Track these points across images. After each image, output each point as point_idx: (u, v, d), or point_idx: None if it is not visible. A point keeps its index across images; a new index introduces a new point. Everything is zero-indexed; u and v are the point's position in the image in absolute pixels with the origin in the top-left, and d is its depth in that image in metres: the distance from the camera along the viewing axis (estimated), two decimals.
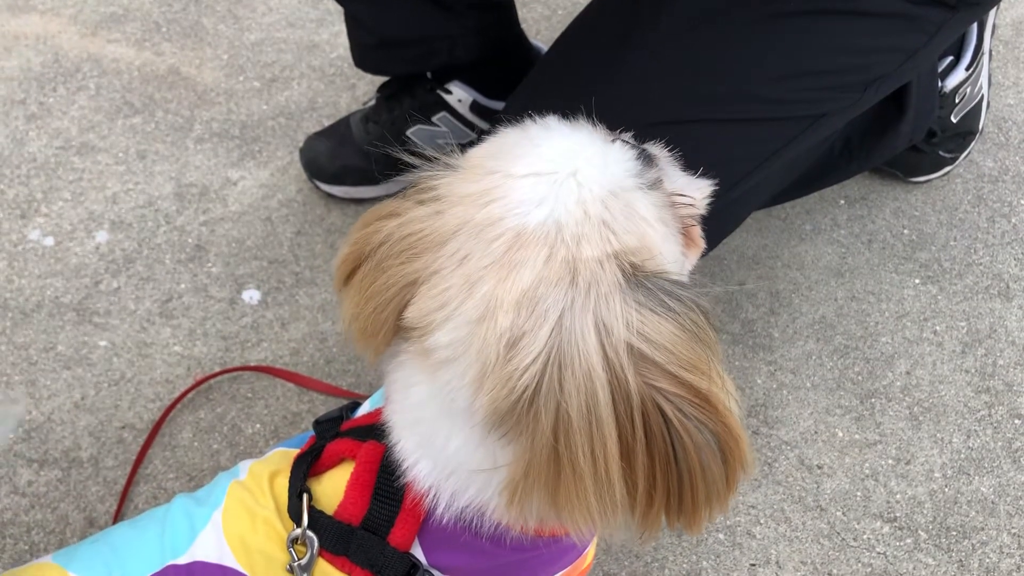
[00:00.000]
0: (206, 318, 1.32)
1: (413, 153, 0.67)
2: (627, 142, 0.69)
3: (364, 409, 0.81)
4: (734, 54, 1.03)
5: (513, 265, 0.59)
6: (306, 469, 0.74)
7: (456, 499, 0.66)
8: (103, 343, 1.29)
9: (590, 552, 0.79)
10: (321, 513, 0.72)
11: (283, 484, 0.76)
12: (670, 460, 0.58)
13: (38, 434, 1.21)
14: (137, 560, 0.74)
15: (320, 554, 0.72)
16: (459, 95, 1.38)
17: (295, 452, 0.78)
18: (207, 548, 0.74)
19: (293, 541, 0.72)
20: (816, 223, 1.43)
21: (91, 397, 1.24)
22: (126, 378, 1.26)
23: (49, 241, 1.40)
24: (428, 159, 0.66)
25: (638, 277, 0.59)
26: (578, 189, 0.60)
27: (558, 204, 0.60)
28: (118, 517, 1.14)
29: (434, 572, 0.72)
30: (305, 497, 0.72)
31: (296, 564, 0.72)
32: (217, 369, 1.26)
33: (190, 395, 1.24)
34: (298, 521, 0.72)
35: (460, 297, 0.60)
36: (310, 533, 0.71)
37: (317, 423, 0.81)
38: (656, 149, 0.73)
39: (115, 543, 0.77)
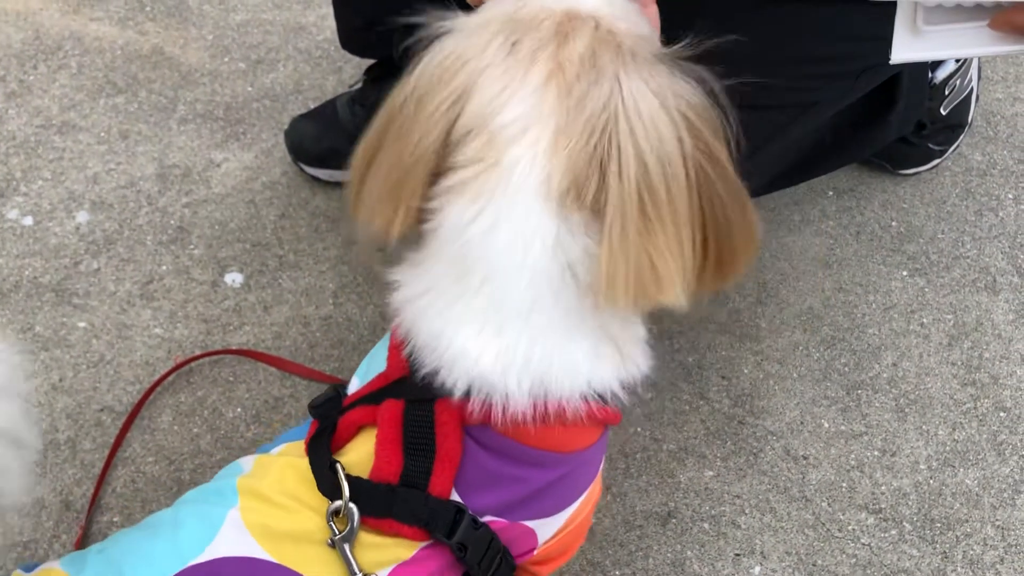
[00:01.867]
0: (187, 300, 1.30)
1: (406, 27, 0.67)
2: None
3: (355, 384, 0.79)
4: (728, 41, 1.02)
5: (567, 33, 0.62)
6: (327, 445, 0.72)
7: (523, 379, 0.66)
8: (82, 324, 1.27)
9: (598, 482, 0.80)
10: (358, 479, 0.70)
11: (294, 465, 0.73)
12: (715, 209, 0.63)
13: None
14: (152, 564, 0.71)
15: (363, 521, 0.70)
16: None
17: (300, 442, 0.76)
18: (229, 543, 0.71)
19: (334, 514, 0.70)
20: (804, 214, 1.43)
21: (69, 379, 1.22)
22: (105, 360, 1.24)
23: (28, 221, 1.38)
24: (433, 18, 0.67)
25: (666, 55, 0.64)
26: None
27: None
28: (95, 500, 1.12)
29: (475, 516, 0.71)
30: (339, 467, 0.70)
31: (338, 537, 0.69)
32: (198, 352, 1.24)
33: (170, 378, 1.22)
34: (333, 495, 0.70)
35: (521, 71, 0.61)
36: (351, 504, 0.69)
37: (313, 407, 0.78)
38: None
39: (126, 549, 0.73)
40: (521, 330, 0.65)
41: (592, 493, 0.78)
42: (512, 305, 0.64)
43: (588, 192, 0.61)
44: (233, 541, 0.71)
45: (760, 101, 1.04)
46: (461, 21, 0.66)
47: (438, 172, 0.64)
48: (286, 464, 0.74)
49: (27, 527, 1.10)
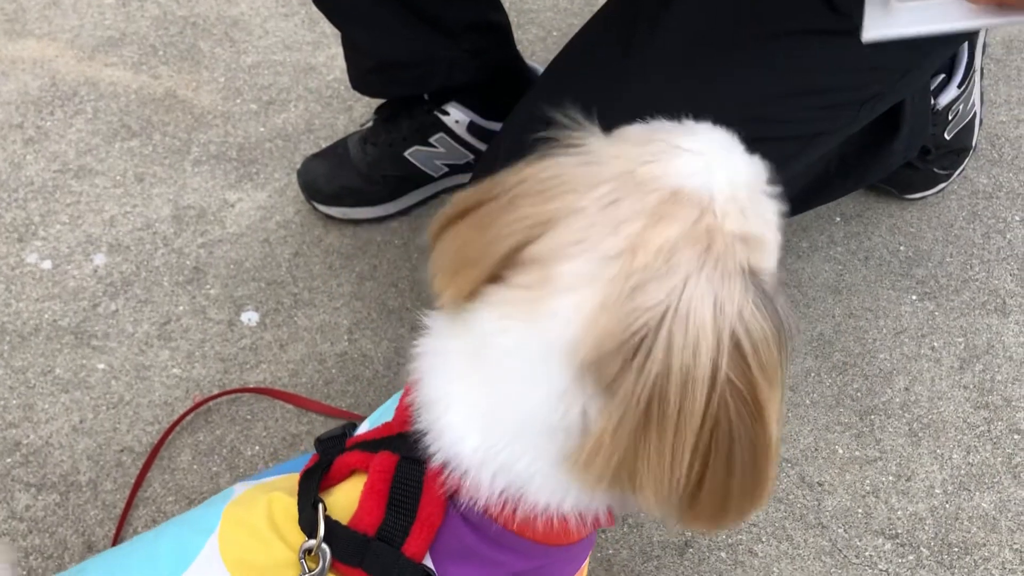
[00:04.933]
0: (204, 340, 1.32)
1: (556, 123, 0.68)
2: None
3: (364, 427, 0.80)
4: (729, 75, 1.04)
5: (663, 216, 0.61)
6: (317, 481, 0.73)
7: (497, 479, 0.66)
8: (101, 366, 1.29)
9: (585, 567, 0.79)
10: (336, 523, 0.71)
11: (282, 499, 0.74)
12: (725, 453, 0.61)
13: (36, 458, 1.20)
14: None
15: (333, 566, 0.71)
16: (456, 116, 1.39)
17: (295, 474, 0.77)
18: (202, 574, 0.72)
19: (306, 552, 0.71)
20: (812, 240, 1.44)
21: (89, 420, 1.24)
22: (124, 401, 1.26)
23: (47, 264, 1.40)
24: (572, 123, 0.67)
25: (755, 272, 0.62)
26: (729, 173, 0.63)
27: (713, 179, 0.62)
28: (117, 541, 1.13)
29: None
30: (321, 507, 0.71)
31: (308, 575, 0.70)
32: (216, 391, 1.26)
33: (189, 417, 1.24)
34: (311, 533, 0.71)
35: (603, 233, 0.61)
36: (324, 545, 0.70)
37: (319, 441, 0.79)
38: None
39: (102, 571, 0.74)
40: (507, 442, 0.65)
41: None
42: (505, 418, 0.65)
43: (609, 373, 0.60)
44: (207, 572, 0.71)
45: (764, 133, 1.05)
46: (594, 145, 0.65)
47: (497, 272, 0.65)
48: (274, 497, 0.75)
49: (50, 568, 1.11)
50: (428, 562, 0.71)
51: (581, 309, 0.60)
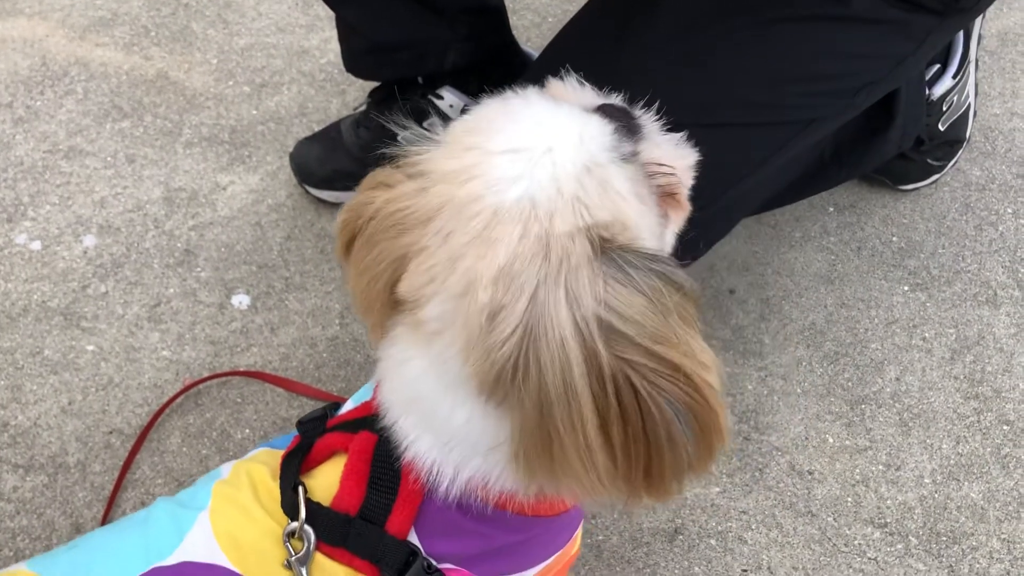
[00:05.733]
0: (195, 323, 1.31)
1: (401, 125, 0.69)
2: (612, 109, 0.70)
3: (348, 407, 0.81)
4: (726, 60, 1.04)
5: (491, 242, 0.60)
6: (298, 464, 0.73)
7: (460, 471, 0.67)
8: (90, 348, 1.28)
9: (577, 537, 0.79)
10: (318, 505, 0.72)
11: (261, 473, 0.74)
12: (642, 432, 0.60)
13: (24, 439, 1.20)
14: (119, 564, 0.73)
15: (318, 547, 0.71)
16: (450, 100, 1.38)
17: (279, 452, 0.78)
18: (195, 548, 0.72)
19: (290, 535, 0.71)
20: (806, 230, 1.44)
21: (78, 402, 1.23)
22: (114, 383, 1.25)
23: (36, 245, 1.39)
24: (415, 132, 0.69)
25: (607, 250, 0.60)
26: (552, 167, 0.62)
27: (533, 182, 0.61)
28: (105, 523, 1.12)
29: (431, 560, 0.71)
30: (301, 490, 0.72)
31: (294, 559, 0.70)
32: (206, 374, 1.25)
33: (179, 400, 1.23)
34: (293, 515, 0.71)
35: (445, 273, 0.61)
36: (307, 527, 0.70)
37: (300, 423, 0.80)
38: (642, 115, 0.74)
39: (95, 548, 0.75)
40: (456, 446, 0.67)
41: (564, 554, 0.78)
42: (444, 430, 0.66)
43: (498, 397, 0.61)
44: (200, 546, 0.72)
45: (761, 118, 1.05)
46: (427, 164, 0.65)
47: (389, 305, 0.67)
48: (253, 469, 0.76)
49: (38, 550, 1.11)
50: (413, 538, 0.71)
51: (452, 349, 0.62)
